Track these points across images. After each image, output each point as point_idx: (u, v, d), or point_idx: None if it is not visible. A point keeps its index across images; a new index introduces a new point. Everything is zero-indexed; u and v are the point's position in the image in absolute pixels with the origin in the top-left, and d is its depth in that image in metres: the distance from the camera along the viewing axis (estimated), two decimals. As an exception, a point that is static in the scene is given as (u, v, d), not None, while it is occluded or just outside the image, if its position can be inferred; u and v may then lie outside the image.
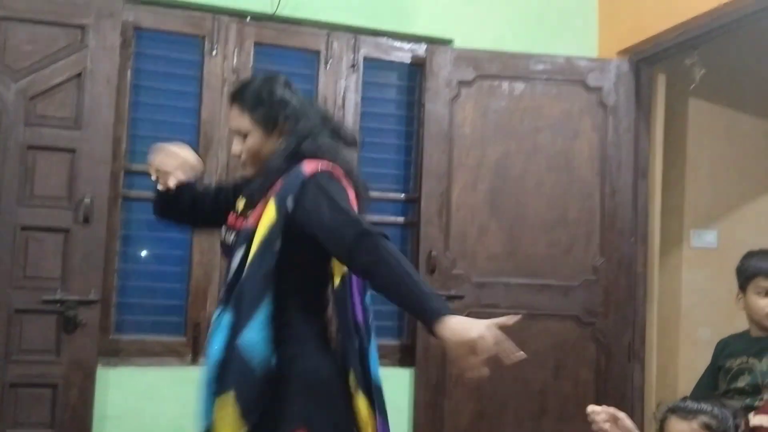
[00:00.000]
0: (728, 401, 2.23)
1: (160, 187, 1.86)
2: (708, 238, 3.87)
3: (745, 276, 2.28)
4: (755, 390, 2.18)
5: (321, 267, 1.73)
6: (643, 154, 3.48)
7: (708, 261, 3.73)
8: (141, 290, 3.13)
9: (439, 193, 3.29)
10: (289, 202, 1.63)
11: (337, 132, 1.81)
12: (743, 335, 2.33)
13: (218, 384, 1.59)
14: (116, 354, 3.01)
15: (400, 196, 3.41)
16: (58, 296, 2.78)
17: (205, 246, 3.12)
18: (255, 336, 1.57)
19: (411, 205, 3.41)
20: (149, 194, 3.06)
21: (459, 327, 1.43)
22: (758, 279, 2.25)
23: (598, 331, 3.35)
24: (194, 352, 3.08)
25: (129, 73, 3.08)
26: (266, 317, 1.58)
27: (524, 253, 3.33)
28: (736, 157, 3.91)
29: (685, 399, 1.93)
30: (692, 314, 3.73)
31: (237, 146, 1.80)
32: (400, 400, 3.19)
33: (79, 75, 2.87)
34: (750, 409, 2.17)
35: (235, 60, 3.20)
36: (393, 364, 3.26)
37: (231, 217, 1.81)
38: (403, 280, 1.47)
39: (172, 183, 1.80)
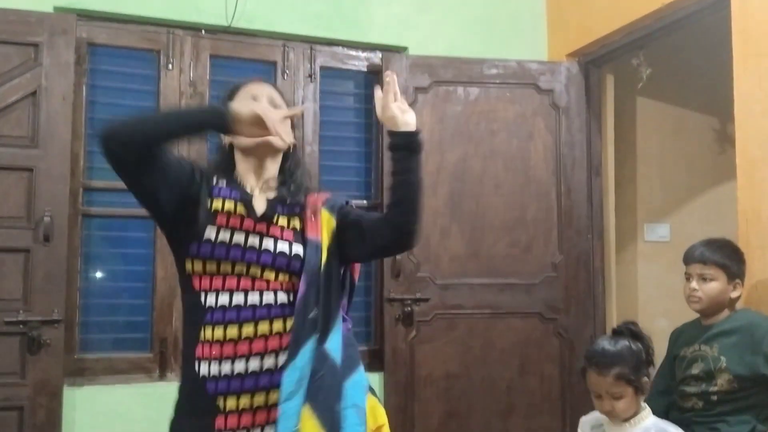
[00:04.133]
0: (685, 388, 2.33)
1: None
2: (661, 231, 4.00)
3: (684, 264, 2.40)
4: (709, 376, 2.25)
5: None
6: (595, 153, 3.59)
7: (662, 253, 3.85)
8: (105, 308, 3.10)
9: (400, 198, 3.33)
10: (337, 213, 1.73)
11: None
12: (695, 323, 2.41)
13: (307, 393, 1.58)
14: (82, 373, 2.97)
15: (362, 203, 3.44)
16: (20, 317, 2.75)
17: (168, 261, 3.10)
18: (336, 343, 1.63)
19: (374, 211, 3.45)
20: (109, 210, 3.10)
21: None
22: (687, 266, 2.37)
23: (561, 327, 3.43)
24: (161, 367, 3.07)
25: (84, 89, 3.06)
26: (340, 319, 1.67)
27: (486, 253, 3.39)
28: (684, 152, 4.05)
29: (602, 342, 2.06)
30: (649, 306, 3.85)
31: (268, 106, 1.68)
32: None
33: (34, 93, 2.85)
34: (706, 394, 2.25)
35: (191, 73, 3.21)
36: (362, 369, 3.28)
37: (251, 224, 1.65)
38: None
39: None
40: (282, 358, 1.60)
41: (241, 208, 1.67)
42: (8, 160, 2.81)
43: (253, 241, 1.64)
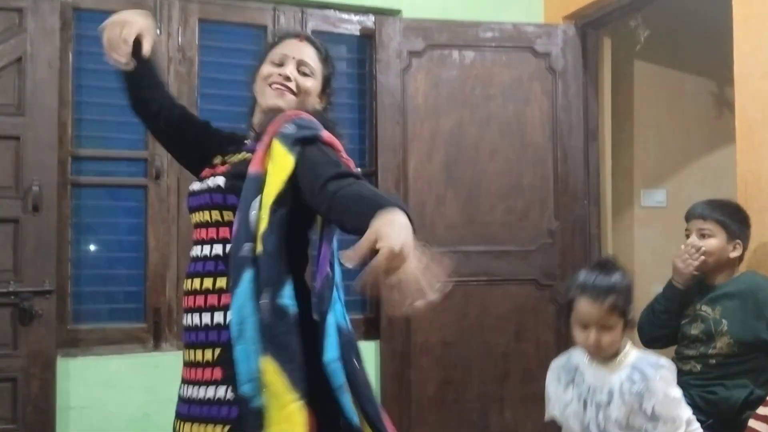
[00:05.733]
0: (684, 350, 2.32)
1: (121, 65, 1.69)
2: (657, 196, 3.98)
3: (686, 221, 2.39)
4: (709, 338, 2.24)
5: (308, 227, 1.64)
6: (592, 118, 3.54)
7: (658, 219, 3.84)
8: (97, 278, 3.07)
9: (395, 165, 3.29)
10: (297, 153, 1.52)
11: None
12: (699, 280, 2.35)
13: (262, 344, 1.44)
14: (75, 344, 2.95)
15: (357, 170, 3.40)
16: (11, 288, 2.71)
17: (160, 230, 3.07)
18: (289, 295, 1.46)
19: (368, 178, 3.40)
20: (98, 180, 3.06)
21: (393, 219, 1.20)
22: (688, 223, 2.36)
23: (557, 293, 3.41)
24: (156, 337, 3.05)
25: (71, 55, 2.99)
26: (290, 270, 1.50)
27: (482, 220, 3.36)
28: (681, 116, 4.01)
29: (593, 273, 1.85)
30: (645, 271, 3.82)
31: (293, 70, 1.68)
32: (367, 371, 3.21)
33: (19, 59, 2.78)
34: (705, 357, 2.24)
35: (180, 38, 3.13)
36: (358, 338, 3.26)
37: (209, 171, 1.68)
38: (365, 193, 1.37)
39: (122, 58, 1.64)
40: (218, 317, 1.53)
41: (219, 159, 1.70)
42: (-6, 128, 2.76)
43: (197, 186, 1.65)
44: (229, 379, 1.49)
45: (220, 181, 1.59)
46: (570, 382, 1.89)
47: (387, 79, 3.31)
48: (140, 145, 3.09)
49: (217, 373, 1.53)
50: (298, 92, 1.68)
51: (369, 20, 3.40)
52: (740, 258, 2.30)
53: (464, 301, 3.33)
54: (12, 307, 2.73)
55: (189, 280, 1.61)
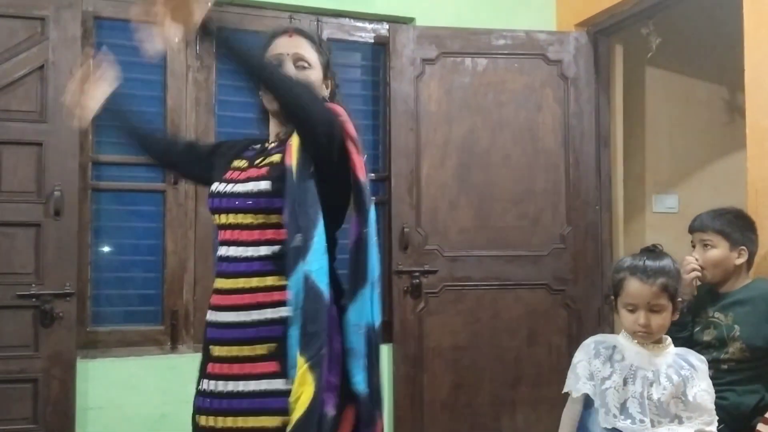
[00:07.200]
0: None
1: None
2: (669, 202, 3.99)
3: (690, 233, 2.41)
4: (721, 343, 2.26)
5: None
6: (604, 124, 3.57)
7: (670, 224, 3.84)
8: (116, 281, 3.13)
9: (408, 170, 3.33)
10: None
11: None
12: (708, 287, 2.37)
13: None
14: (95, 346, 3.01)
15: (370, 176, 3.44)
16: (33, 291, 2.77)
17: (178, 234, 3.13)
18: (318, 264, 1.55)
19: (381, 183, 3.45)
20: (118, 185, 3.12)
21: None
22: (692, 236, 2.38)
23: (569, 298, 3.44)
24: (173, 340, 3.10)
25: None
26: (323, 244, 1.57)
27: (494, 225, 3.40)
28: (693, 122, 4.03)
29: (642, 257, 1.88)
30: (657, 277, 3.84)
31: (292, 68, 1.72)
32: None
33: (41, 67, 2.84)
34: (717, 362, 2.26)
35: (198, 46, 3.19)
36: (371, 341, 3.30)
37: (238, 173, 1.72)
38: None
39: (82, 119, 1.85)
40: (270, 312, 1.59)
41: (245, 163, 1.73)
42: (17, 134, 2.81)
43: (224, 187, 1.69)
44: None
45: (264, 185, 1.62)
46: (608, 359, 1.86)
47: (400, 86, 3.35)
48: (158, 150, 3.15)
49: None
50: None
51: (383, 28, 3.45)
52: (749, 263, 2.31)
53: (476, 306, 3.36)
54: (33, 309, 2.79)
55: (239, 277, 1.63)
